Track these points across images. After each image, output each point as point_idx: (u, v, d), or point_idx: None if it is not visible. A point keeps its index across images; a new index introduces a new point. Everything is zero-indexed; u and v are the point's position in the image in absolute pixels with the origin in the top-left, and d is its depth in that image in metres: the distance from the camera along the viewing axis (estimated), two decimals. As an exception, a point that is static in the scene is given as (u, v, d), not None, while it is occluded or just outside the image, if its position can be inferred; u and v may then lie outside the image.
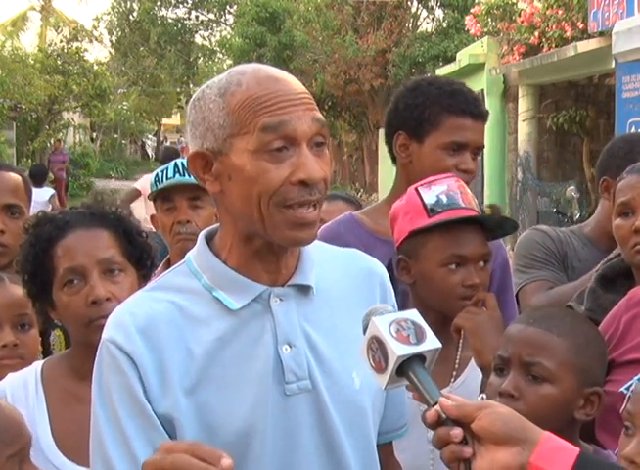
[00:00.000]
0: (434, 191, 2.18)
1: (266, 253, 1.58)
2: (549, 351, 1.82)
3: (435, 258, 2.15)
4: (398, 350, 1.34)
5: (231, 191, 1.54)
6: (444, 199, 2.16)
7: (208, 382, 1.53)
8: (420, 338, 1.37)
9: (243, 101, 1.50)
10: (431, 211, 2.15)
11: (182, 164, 2.92)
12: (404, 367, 1.36)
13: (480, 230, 2.18)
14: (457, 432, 1.30)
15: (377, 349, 1.37)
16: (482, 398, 1.90)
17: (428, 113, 2.46)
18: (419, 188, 2.20)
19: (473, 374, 2.17)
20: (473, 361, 2.20)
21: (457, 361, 2.23)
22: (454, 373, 2.22)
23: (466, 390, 2.12)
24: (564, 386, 1.81)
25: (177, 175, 2.95)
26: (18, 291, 2.19)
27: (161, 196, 3.00)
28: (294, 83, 1.55)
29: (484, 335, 2.04)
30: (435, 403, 1.33)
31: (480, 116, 2.50)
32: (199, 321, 1.55)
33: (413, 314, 1.41)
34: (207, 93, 1.56)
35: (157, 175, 3.01)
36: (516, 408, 1.78)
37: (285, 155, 1.50)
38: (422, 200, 2.17)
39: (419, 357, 1.36)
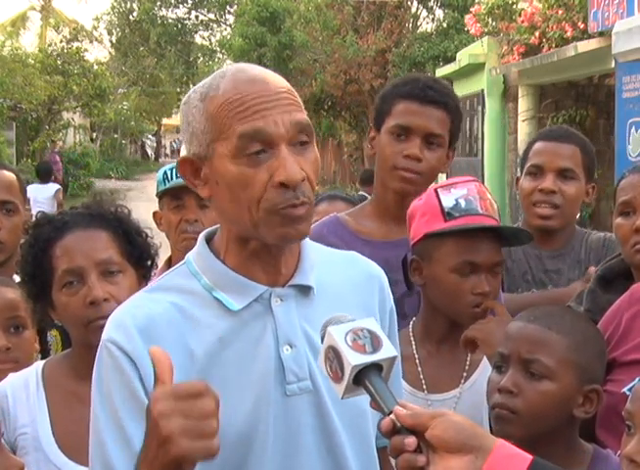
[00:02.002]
0: (453, 194, 2.17)
1: (263, 253, 1.57)
2: (548, 348, 1.83)
3: (448, 263, 2.15)
4: (353, 359, 1.34)
5: (220, 195, 1.54)
6: (462, 203, 2.15)
7: (210, 383, 1.50)
8: (376, 347, 1.37)
9: (219, 106, 1.51)
10: (447, 215, 2.15)
11: None
12: (361, 376, 1.35)
13: (495, 238, 2.17)
14: (411, 441, 1.30)
15: (334, 358, 1.37)
16: None
17: (384, 102, 2.48)
18: (438, 189, 2.19)
19: (483, 376, 2.15)
20: (483, 363, 2.20)
21: (467, 363, 2.23)
22: (464, 374, 2.23)
23: (476, 391, 2.13)
24: (563, 383, 1.82)
25: None
26: (9, 293, 2.19)
27: (170, 194, 2.99)
28: (272, 83, 1.53)
29: (497, 342, 2.02)
30: (391, 412, 1.33)
31: (431, 101, 2.39)
32: (199, 322, 1.55)
33: (370, 323, 1.40)
34: (192, 98, 1.57)
35: (165, 173, 2.99)
36: (515, 405, 1.81)
37: (263, 158, 1.49)
38: (440, 202, 2.16)
39: (376, 366, 1.36)
